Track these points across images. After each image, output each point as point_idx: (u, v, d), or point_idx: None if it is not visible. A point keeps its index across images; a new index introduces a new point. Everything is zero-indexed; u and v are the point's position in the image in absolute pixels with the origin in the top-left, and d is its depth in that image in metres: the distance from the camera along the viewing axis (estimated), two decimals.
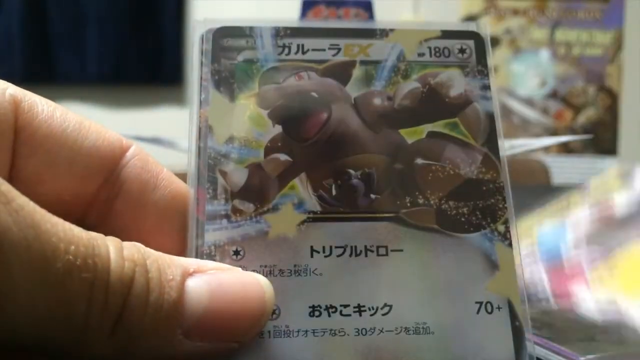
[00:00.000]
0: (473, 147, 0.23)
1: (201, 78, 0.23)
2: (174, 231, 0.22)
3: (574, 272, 0.28)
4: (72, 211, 0.22)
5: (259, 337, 0.20)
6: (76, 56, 1.97)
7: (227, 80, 0.23)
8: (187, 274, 0.19)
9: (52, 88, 1.89)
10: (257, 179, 0.22)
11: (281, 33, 0.24)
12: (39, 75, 1.93)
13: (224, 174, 0.22)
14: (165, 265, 0.18)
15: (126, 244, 0.18)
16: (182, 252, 0.21)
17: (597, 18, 2.07)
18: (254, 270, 0.21)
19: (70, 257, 0.16)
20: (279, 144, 0.23)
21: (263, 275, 0.21)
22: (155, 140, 0.62)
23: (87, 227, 0.18)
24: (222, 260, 0.21)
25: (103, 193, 0.22)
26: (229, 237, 0.21)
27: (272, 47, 0.24)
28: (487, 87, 0.24)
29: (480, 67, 0.24)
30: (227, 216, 0.22)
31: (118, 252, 0.18)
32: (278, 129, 0.23)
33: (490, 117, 0.24)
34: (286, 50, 0.24)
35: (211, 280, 0.19)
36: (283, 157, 0.22)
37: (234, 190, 0.22)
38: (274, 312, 0.21)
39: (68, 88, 1.98)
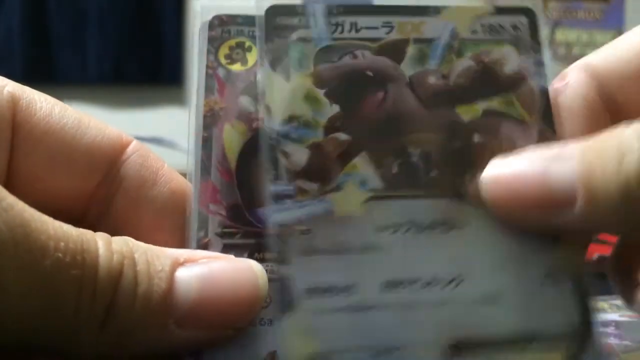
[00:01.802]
0: (529, 124, 0.23)
1: (262, 57, 0.23)
2: (173, 227, 0.22)
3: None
4: (72, 208, 0.22)
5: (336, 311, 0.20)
6: (76, 56, 1.97)
7: (282, 60, 0.23)
8: (177, 264, 0.19)
9: (52, 88, 1.88)
10: (318, 159, 0.22)
11: (334, 11, 0.24)
12: (39, 75, 1.92)
13: (285, 154, 0.22)
14: (154, 256, 0.19)
15: (115, 238, 0.18)
16: (182, 247, 0.21)
17: (597, 18, 2.07)
18: (323, 249, 0.21)
19: (60, 254, 0.16)
20: (338, 124, 0.22)
21: (332, 253, 0.21)
22: (155, 140, 0.62)
23: (87, 223, 0.18)
24: (290, 240, 0.21)
25: (103, 189, 0.22)
26: (295, 217, 0.21)
27: (325, 26, 0.23)
28: (541, 63, 0.24)
29: (533, 43, 0.24)
30: (291, 196, 0.21)
31: (107, 246, 0.18)
32: (335, 108, 0.23)
33: (545, 93, 0.24)
34: (339, 29, 0.23)
35: (202, 269, 0.19)
36: (343, 136, 0.22)
37: (297, 170, 0.22)
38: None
39: (68, 88, 1.97)
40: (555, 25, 2.05)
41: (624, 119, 0.21)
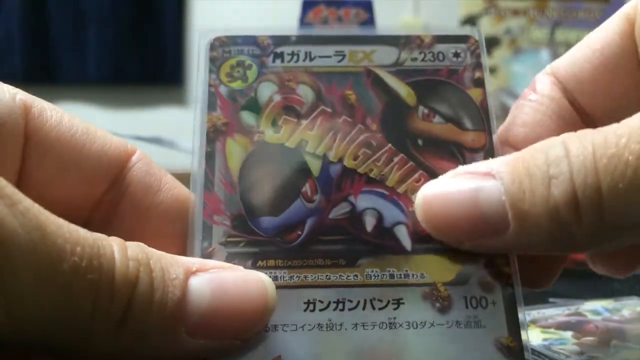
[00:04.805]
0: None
1: None
2: (177, 233, 0.22)
3: None
4: (79, 214, 0.22)
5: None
6: (76, 56, 1.97)
7: None
8: (189, 273, 0.19)
9: (52, 88, 1.89)
10: None
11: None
12: (39, 75, 1.93)
13: None
14: (168, 264, 0.19)
15: (130, 243, 0.18)
16: (183, 253, 0.21)
17: (597, 18, 2.06)
18: None
19: (76, 258, 0.16)
20: None
21: None
22: (155, 140, 0.62)
23: (92, 229, 0.18)
24: None
25: (109, 196, 0.23)
26: None
27: None
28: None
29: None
30: None
31: (122, 252, 0.18)
32: None
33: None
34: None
35: (214, 278, 0.19)
36: None
37: None
38: None
39: (68, 88, 1.97)
40: (555, 25, 2.05)
41: (592, 125, 0.20)
